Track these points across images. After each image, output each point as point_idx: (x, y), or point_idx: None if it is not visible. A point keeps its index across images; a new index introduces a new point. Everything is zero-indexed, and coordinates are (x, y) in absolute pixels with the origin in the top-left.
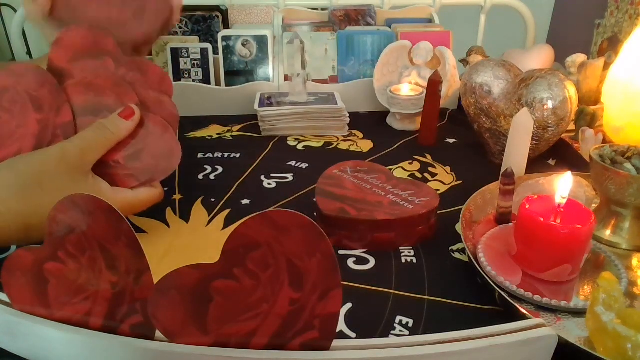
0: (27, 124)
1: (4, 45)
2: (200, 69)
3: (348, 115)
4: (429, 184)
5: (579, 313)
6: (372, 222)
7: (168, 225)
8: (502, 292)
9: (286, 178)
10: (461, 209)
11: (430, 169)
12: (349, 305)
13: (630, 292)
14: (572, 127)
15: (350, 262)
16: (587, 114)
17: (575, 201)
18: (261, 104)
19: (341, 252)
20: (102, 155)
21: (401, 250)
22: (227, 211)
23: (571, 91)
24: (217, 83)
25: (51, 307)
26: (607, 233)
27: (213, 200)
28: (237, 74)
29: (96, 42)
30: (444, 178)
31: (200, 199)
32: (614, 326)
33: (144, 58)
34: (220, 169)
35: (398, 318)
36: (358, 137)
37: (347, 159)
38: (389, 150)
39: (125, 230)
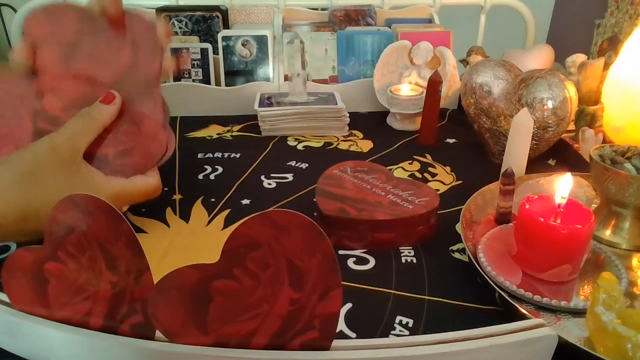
0: (21, 125)
1: (4, 45)
2: (200, 69)
3: (348, 115)
4: (429, 184)
5: (579, 313)
6: (372, 222)
7: (168, 225)
8: (502, 292)
9: (286, 178)
10: (461, 209)
11: (430, 169)
12: (349, 305)
13: (630, 292)
14: (572, 127)
15: (350, 262)
16: (587, 114)
17: (575, 201)
18: (261, 104)
19: (341, 252)
20: (90, 141)
21: (401, 250)
22: (227, 211)
23: (571, 91)
24: (217, 83)
25: (51, 307)
26: (607, 233)
27: (213, 200)
28: (237, 74)
29: (92, 93)
30: (444, 178)
31: (200, 199)
32: (614, 326)
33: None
34: (220, 169)
35: (398, 318)
36: (358, 137)
37: (347, 159)
38: (389, 150)
39: (125, 230)
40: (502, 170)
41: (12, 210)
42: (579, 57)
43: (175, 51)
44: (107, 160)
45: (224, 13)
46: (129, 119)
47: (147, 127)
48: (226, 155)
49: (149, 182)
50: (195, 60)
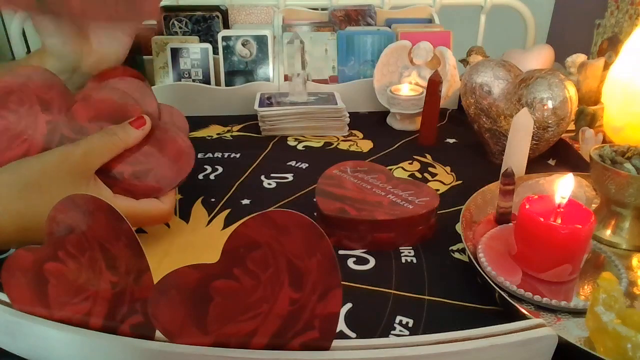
0: (36, 125)
1: (4, 45)
2: (200, 69)
3: (348, 115)
4: (429, 184)
5: (579, 313)
6: (372, 222)
7: (168, 226)
8: (502, 292)
9: (286, 178)
10: (461, 209)
11: (430, 169)
12: (349, 305)
13: (630, 292)
14: (572, 127)
15: (350, 262)
16: (587, 114)
17: (575, 201)
18: (261, 104)
19: (341, 252)
20: (107, 161)
21: (401, 250)
22: (227, 211)
23: (571, 91)
24: (217, 83)
25: (51, 307)
26: (607, 233)
27: (213, 200)
28: (237, 74)
29: (123, 110)
30: (444, 178)
31: (200, 199)
32: (614, 326)
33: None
34: (220, 169)
35: (398, 318)
36: (358, 137)
37: (347, 159)
38: (389, 150)
39: (125, 230)
40: (502, 170)
41: (14, 221)
42: (579, 57)
43: (175, 52)
44: (121, 179)
45: (224, 13)
46: (153, 140)
47: (170, 151)
48: (226, 155)
49: (160, 207)
50: (195, 60)
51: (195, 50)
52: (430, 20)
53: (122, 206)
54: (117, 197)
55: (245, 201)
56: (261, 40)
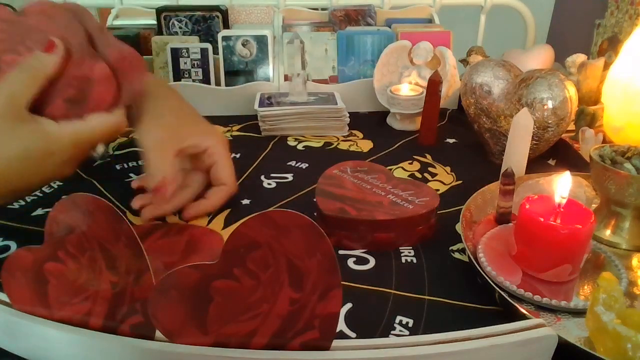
0: None
1: None
2: (200, 69)
3: (348, 115)
4: (429, 184)
5: (579, 313)
6: (372, 222)
7: None
8: (502, 292)
9: (286, 178)
10: (461, 209)
11: (430, 169)
12: (349, 305)
13: (630, 292)
14: (572, 127)
15: (350, 262)
16: (587, 114)
17: (575, 201)
18: (261, 104)
19: (341, 252)
20: (34, 94)
21: (401, 250)
22: (227, 211)
23: (571, 91)
24: (217, 83)
25: (51, 307)
26: (607, 233)
27: None
28: (237, 74)
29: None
30: (444, 178)
31: None
32: (614, 326)
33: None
34: None
35: (398, 318)
36: (358, 137)
37: (347, 159)
38: (389, 150)
39: (125, 230)
40: (502, 170)
41: None
42: (579, 57)
43: (175, 52)
44: (58, 107)
45: (224, 13)
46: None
47: (99, 69)
48: None
49: (110, 120)
50: (195, 60)
51: (195, 50)
52: (430, 20)
53: (71, 131)
54: (61, 124)
55: (245, 201)
56: (261, 40)
